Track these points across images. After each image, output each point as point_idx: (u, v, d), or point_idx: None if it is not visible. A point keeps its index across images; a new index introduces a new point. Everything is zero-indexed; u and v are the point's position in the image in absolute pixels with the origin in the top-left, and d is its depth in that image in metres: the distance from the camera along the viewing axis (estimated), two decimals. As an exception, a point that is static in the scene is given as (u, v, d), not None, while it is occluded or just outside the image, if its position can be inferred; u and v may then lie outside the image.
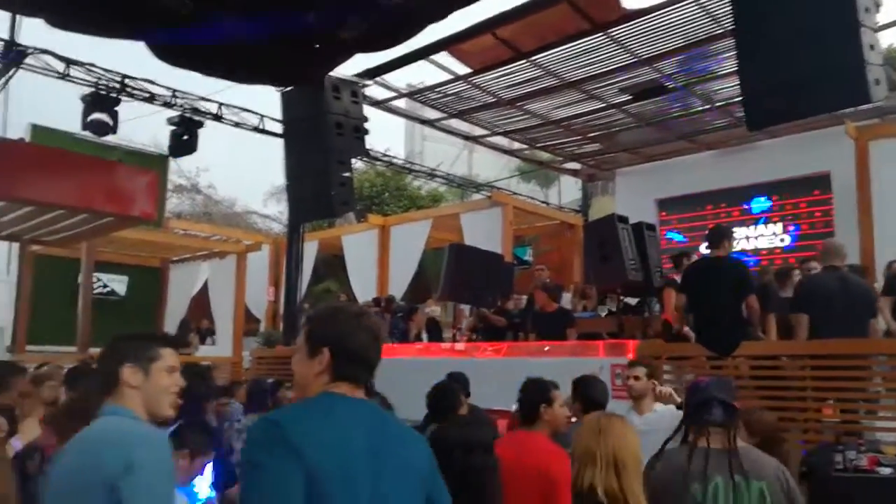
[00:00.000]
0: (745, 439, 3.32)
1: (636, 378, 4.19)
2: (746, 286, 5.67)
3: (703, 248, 6.05)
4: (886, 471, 4.25)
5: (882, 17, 7.04)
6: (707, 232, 6.26)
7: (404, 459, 1.74)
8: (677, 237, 11.81)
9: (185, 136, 9.67)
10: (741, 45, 5.47)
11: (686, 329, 6.14)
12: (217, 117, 10.27)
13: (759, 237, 11.16)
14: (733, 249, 6.84)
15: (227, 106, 10.41)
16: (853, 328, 5.46)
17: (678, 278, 6.66)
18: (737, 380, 5.53)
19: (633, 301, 8.10)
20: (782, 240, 10.97)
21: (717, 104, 9.90)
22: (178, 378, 2.14)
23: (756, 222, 11.23)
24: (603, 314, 8.04)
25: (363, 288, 12.84)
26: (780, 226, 10.99)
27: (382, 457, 1.69)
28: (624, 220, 7.04)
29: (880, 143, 8.64)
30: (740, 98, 6.08)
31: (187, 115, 9.82)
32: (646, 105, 10.12)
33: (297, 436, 1.60)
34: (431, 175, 14.13)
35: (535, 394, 3.29)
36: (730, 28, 6.82)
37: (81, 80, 9.09)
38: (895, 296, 5.91)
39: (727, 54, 8.26)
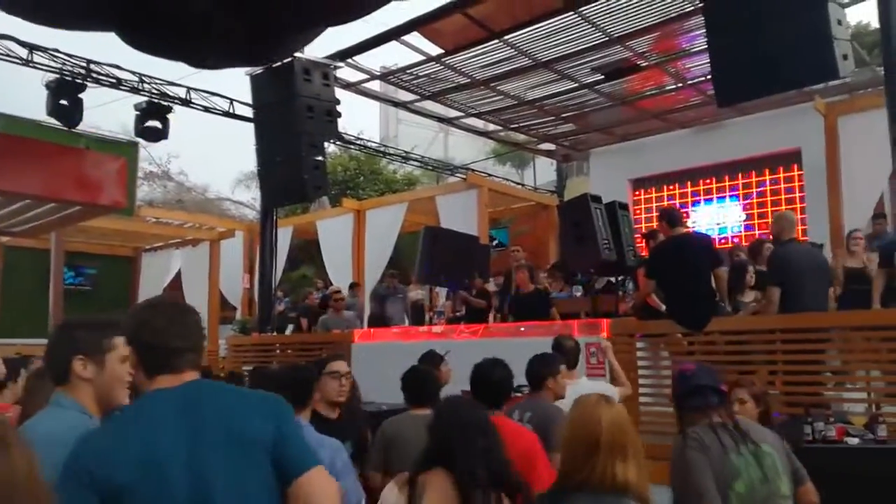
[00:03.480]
0: (752, 410, 3.41)
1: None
2: (717, 259, 5.75)
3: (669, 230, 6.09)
4: (854, 441, 4.33)
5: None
6: (661, 216, 6.30)
7: (234, 432, 1.67)
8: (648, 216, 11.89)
9: (153, 122, 9.49)
10: (710, 22, 5.49)
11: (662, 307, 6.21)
12: (186, 102, 10.09)
13: (729, 214, 11.27)
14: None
15: (196, 90, 10.23)
16: (821, 300, 5.58)
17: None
18: (711, 355, 5.60)
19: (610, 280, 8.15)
20: (751, 216, 11.08)
21: (689, 82, 9.93)
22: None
23: (727, 199, 11.33)
24: (577, 294, 8.07)
25: (339, 273, 12.76)
26: (750, 202, 11.10)
27: (202, 437, 1.65)
28: (597, 199, 7.04)
29: (849, 119, 8.72)
30: (711, 75, 6.09)
31: (155, 100, 9.64)
32: (618, 84, 10.13)
33: (89, 458, 1.61)
34: (406, 158, 14.04)
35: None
36: (700, 4, 6.81)
37: (45, 66, 8.87)
38: (890, 268, 5.97)
39: (698, 31, 8.25)
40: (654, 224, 10.71)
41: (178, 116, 9.85)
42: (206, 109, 10.40)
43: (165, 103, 9.68)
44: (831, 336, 5.40)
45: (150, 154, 21.18)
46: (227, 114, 10.55)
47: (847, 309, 5.84)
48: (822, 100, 9.03)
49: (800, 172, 10.35)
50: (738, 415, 3.46)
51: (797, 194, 10.46)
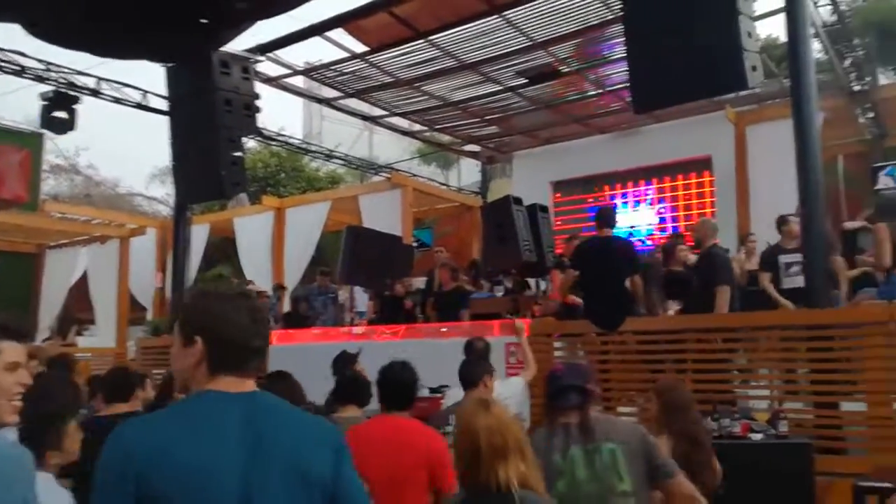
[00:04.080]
0: (652, 409, 3.51)
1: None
2: (635, 265, 5.91)
3: (594, 229, 6.26)
4: (758, 436, 4.52)
5: (759, 7, 7.44)
6: (597, 213, 6.45)
7: (293, 459, 1.54)
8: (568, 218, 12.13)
9: (60, 113, 9.00)
10: (629, 30, 5.63)
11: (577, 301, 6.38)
12: (95, 92, 9.62)
13: (644, 218, 11.62)
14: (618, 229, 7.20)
15: (107, 81, 9.76)
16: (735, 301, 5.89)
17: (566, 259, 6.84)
18: (624, 354, 5.74)
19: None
20: (665, 220, 11.46)
21: (609, 88, 10.18)
22: (23, 375, 1.77)
23: (642, 203, 11.68)
24: (499, 294, 8.15)
25: (257, 273, 12.45)
26: (664, 207, 11.47)
27: (260, 463, 1.51)
28: (519, 201, 7.13)
29: (757, 128, 9.16)
30: (629, 82, 6.25)
31: (62, 89, 9.14)
32: (541, 88, 10.28)
33: (135, 454, 1.46)
34: (329, 156, 13.83)
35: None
36: (619, 13, 6.98)
37: (-60, 50, 8.30)
38: (771, 272, 6.32)
39: (618, 39, 8.45)
40: (575, 226, 10.97)
41: (89, 107, 9.39)
42: (118, 101, 9.94)
43: (73, 93, 9.19)
44: (738, 336, 5.64)
45: (58, 146, 20.19)
46: (139, 106, 10.11)
47: (742, 309, 6.13)
48: (733, 109, 9.43)
49: (711, 178, 10.77)
50: (647, 412, 3.59)
51: (708, 199, 10.87)
